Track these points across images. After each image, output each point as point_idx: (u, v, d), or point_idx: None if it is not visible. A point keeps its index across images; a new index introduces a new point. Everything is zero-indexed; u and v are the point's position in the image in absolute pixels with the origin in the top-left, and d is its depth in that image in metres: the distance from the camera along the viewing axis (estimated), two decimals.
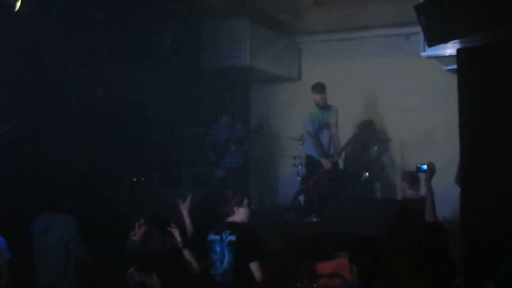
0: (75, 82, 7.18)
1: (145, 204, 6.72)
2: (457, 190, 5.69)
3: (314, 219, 6.67)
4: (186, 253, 4.37)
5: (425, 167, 4.98)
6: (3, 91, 6.54)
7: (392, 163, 8.35)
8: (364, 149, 8.18)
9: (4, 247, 4.82)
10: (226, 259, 4.38)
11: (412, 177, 5.70)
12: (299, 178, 7.83)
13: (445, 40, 5.22)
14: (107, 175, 7.15)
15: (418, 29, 5.34)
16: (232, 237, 4.37)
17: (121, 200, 7.19)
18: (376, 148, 8.10)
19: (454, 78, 5.53)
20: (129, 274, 3.72)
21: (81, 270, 5.00)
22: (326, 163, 7.31)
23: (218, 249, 4.43)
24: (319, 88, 7.36)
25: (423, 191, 5.44)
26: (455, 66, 5.58)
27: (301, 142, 7.95)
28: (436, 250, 3.38)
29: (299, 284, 5.09)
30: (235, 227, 4.44)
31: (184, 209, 4.85)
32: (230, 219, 4.53)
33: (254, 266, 4.26)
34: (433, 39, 5.14)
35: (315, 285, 5.06)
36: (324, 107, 7.43)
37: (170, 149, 8.10)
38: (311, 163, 7.62)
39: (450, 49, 5.85)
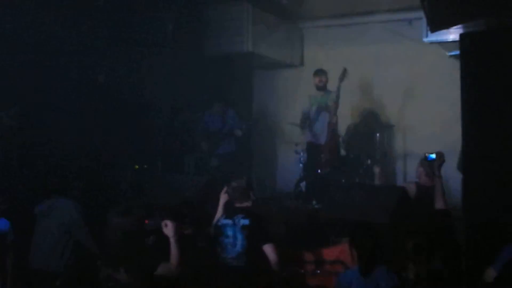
0: (77, 68, 7.18)
1: (148, 190, 6.72)
2: (459, 176, 5.75)
3: (316, 206, 6.66)
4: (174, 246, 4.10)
5: (433, 156, 4.98)
6: (7, 78, 6.60)
7: (394, 149, 8.36)
8: (367, 136, 8.17)
9: (9, 229, 4.95)
10: (239, 243, 4.41)
11: (429, 164, 5.68)
12: (301, 164, 7.77)
13: (448, 25, 5.17)
14: (111, 162, 7.21)
15: (421, 14, 5.48)
16: (246, 221, 4.41)
17: (124, 187, 7.16)
18: (378, 134, 8.07)
19: (457, 64, 5.55)
20: (98, 267, 3.63)
21: (78, 254, 4.96)
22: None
23: (230, 233, 4.46)
24: (320, 72, 7.41)
25: None
26: (458, 52, 5.61)
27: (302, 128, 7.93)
28: (442, 236, 3.42)
29: (302, 270, 5.06)
30: (247, 211, 4.50)
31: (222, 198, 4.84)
32: (239, 204, 4.59)
33: (268, 249, 4.31)
34: (436, 25, 5.15)
35: (318, 271, 5.03)
36: (324, 90, 7.43)
37: (172, 136, 8.12)
38: (312, 149, 7.57)
39: (453, 34, 5.80)
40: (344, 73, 7.13)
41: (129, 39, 7.28)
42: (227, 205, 4.81)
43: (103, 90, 7.48)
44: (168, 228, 4.01)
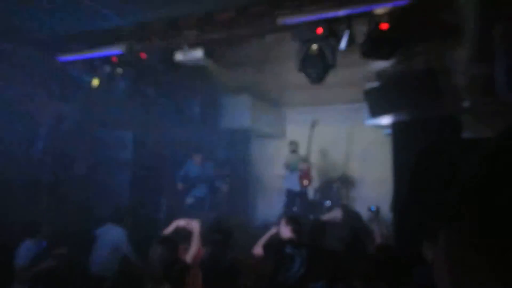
0: (133, 135, 7.25)
1: None
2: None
3: None
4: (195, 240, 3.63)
5: (373, 208, 5.05)
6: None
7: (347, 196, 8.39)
8: (327, 186, 8.26)
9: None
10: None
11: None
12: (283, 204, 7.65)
13: (382, 114, 5.29)
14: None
15: (364, 105, 5.46)
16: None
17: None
18: (335, 185, 8.17)
19: (389, 139, 5.69)
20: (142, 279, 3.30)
21: (124, 264, 4.87)
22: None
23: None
24: (293, 142, 7.71)
25: None
26: (390, 131, 5.79)
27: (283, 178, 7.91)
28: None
29: None
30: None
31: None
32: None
33: None
34: (375, 113, 5.32)
35: None
36: (296, 153, 7.60)
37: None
38: (289, 194, 7.59)
39: (386, 119, 5.70)
40: (315, 122, 7.31)
41: (170, 115, 7.31)
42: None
43: (151, 148, 7.49)
44: (194, 226, 3.70)
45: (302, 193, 7.48)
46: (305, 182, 7.28)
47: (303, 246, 3.82)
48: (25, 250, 4.21)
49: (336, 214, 5.02)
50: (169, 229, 3.95)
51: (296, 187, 7.42)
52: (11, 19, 4.88)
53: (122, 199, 6.44)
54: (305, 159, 7.41)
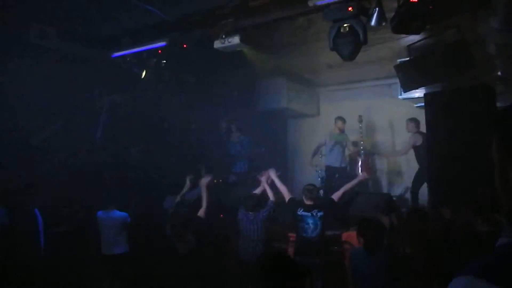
0: (175, 121, 7.51)
1: None
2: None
3: None
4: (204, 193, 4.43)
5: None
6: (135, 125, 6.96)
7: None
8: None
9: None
10: (318, 227, 4.52)
11: None
12: (319, 178, 7.69)
13: (415, 87, 5.22)
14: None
15: (397, 80, 5.38)
16: (321, 213, 4.54)
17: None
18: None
19: (421, 112, 5.64)
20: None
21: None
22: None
23: (310, 221, 4.54)
24: (342, 119, 7.38)
25: None
26: (421, 104, 5.73)
27: (320, 156, 7.84)
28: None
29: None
30: (320, 206, 4.61)
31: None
32: (309, 202, 4.65)
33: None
34: (406, 87, 5.25)
35: (335, 247, 5.12)
36: (342, 132, 7.43)
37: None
38: (329, 170, 7.46)
39: (417, 93, 5.77)
40: (361, 117, 7.18)
41: (210, 100, 7.41)
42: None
43: (193, 133, 7.75)
44: (203, 180, 4.43)
45: (342, 169, 7.43)
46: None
47: None
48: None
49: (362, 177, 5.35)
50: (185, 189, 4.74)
51: (336, 164, 7.35)
52: (71, 21, 5.27)
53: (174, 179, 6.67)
54: (355, 143, 7.28)
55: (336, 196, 4.79)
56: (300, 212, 4.64)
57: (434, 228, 3.42)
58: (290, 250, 4.87)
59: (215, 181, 5.83)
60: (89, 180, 5.61)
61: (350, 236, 4.93)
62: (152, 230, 4.78)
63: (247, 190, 5.42)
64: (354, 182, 5.19)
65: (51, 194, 5.10)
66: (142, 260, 4.68)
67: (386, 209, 4.92)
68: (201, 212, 4.21)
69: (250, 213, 4.76)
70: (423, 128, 5.78)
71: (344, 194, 4.92)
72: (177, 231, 3.87)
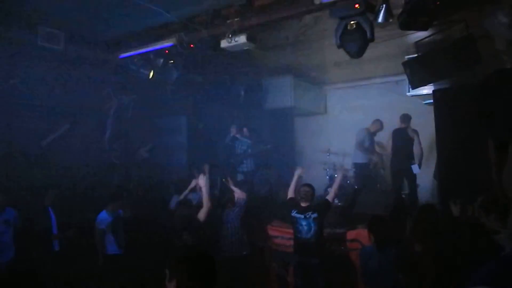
0: (186, 120, 7.54)
1: None
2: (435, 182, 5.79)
3: (339, 203, 6.53)
4: (205, 193, 4.18)
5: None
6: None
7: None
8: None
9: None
10: (312, 229, 4.52)
11: None
12: (327, 176, 7.77)
13: (423, 84, 5.18)
14: None
15: (404, 77, 5.34)
16: (315, 215, 4.53)
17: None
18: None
19: (429, 109, 5.60)
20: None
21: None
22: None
23: (304, 223, 4.55)
24: (378, 120, 7.19)
25: None
26: (430, 101, 5.69)
27: (328, 154, 7.93)
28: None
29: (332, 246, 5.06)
30: (314, 209, 4.60)
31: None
32: (304, 203, 4.67)
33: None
34: (415, 84, 5.18)
35: (342, 247, 5.09)
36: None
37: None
38: (358, 167, 7.27)
39: (426, 90, 5.75)
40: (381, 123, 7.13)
41: (218, 99, 7.46)
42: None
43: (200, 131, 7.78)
44: (200, 179, 4.24)
45: (366, 165, 7.34)
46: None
47: None
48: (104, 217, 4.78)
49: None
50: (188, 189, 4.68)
51: (361, 160, 7.21)
52: (78, 24, 5.33)
53: (181, 178, 6.72)
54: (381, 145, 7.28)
55: (330, 197, 4.80)
56: (294, 213, 4.67)
57: (444, 225, 3.40)
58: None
59: (223, 180, 5.86)
60: (97, 181, 5.65)
61: (360, 234, 4.93)
62: (154, 230, 4.80)
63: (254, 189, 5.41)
64: (339, 178, 5.16)
65: (62, 194, 5.15)
66: (142, 260, 4.70)
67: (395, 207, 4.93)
68: (200, 214, 4.09)
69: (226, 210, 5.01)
70: (424, 124, 5.85)
71: (336, 194, 4.95)
72: (176, 232, 3.87)
